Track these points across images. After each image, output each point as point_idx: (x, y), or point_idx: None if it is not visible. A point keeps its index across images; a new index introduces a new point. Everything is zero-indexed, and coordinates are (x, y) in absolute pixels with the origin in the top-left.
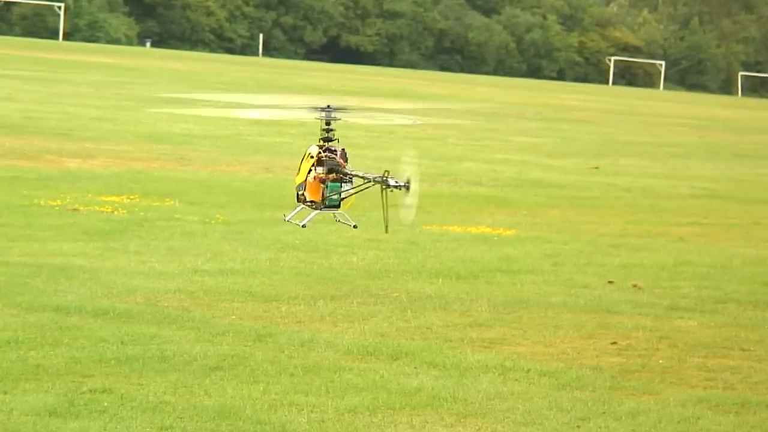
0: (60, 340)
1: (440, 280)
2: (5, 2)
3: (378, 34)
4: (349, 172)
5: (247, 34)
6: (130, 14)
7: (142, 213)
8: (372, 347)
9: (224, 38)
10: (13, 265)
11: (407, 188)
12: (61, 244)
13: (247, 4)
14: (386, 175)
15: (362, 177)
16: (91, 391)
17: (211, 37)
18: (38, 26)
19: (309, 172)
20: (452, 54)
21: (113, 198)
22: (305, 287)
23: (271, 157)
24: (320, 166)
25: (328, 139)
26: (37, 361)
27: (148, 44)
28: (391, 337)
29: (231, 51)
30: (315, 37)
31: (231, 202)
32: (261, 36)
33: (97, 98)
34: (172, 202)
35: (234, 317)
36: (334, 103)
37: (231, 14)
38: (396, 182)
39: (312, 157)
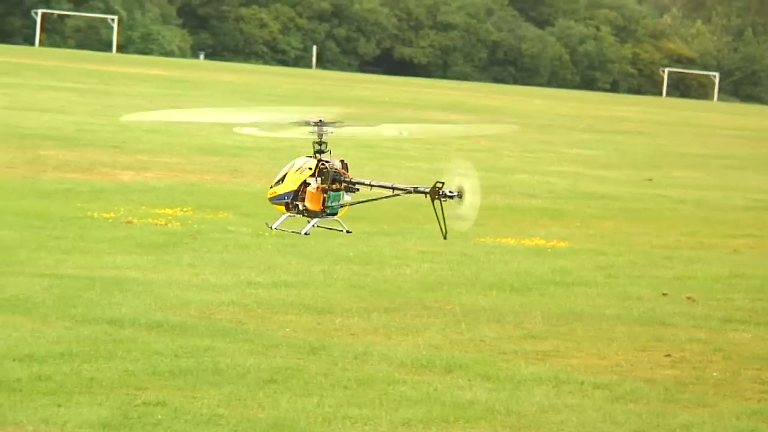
0: (114, 353)
1: (494, 292)
2: (59, 15)
3: (431, 46)
4: (357, 181)
5: (301, 46)
6: (183, 26)
7: (196, 225)
8: (426, 360)
9: (277, 50)
10: (66, 278)
11: (460, 197)
12: (114, 257)
13: (301, 16)
14: (438, 186)
15: (394, 188)
16: (144, 403)
17: (265, 49)
18: (92, 38)
19: (305, 183)
20: (505, 66)
21: (167, 210)
22: (359, 300)
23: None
24: (322, 176)
25: (320, 152)
26: (90, 374)
27: (201, 56)
28: (444, 350)
29: (284, 63)
30: (368, 49)
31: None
32: (314, 48)
33: (151, 110)
34: (225, 215)
35: (288, 330)
36: (325, 117)
37: (284, 26)
38: (450, 192)
39: (304, 169)
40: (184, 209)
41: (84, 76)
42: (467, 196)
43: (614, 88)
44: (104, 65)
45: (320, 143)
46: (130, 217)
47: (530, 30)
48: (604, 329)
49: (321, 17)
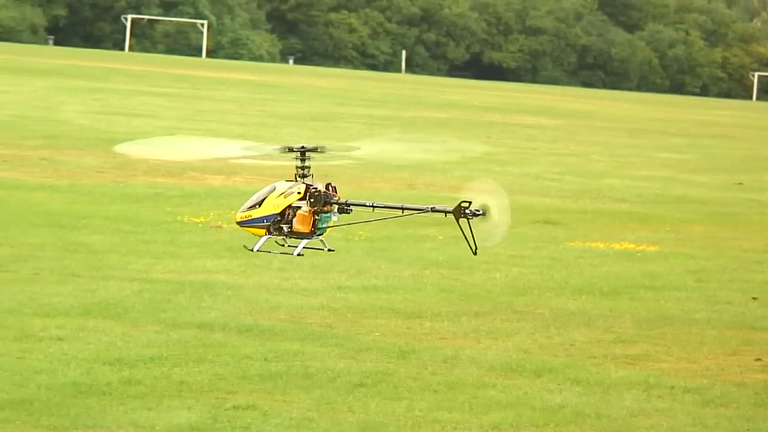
0: (204, 357)
1: (583, 296)
2: (149, 20)
3: (521, 51)
4: (354, 203)
5: (390, 50)
6: (272, 31)
7: None
8: (515, 364)
9: (367, 55)
10: (157, 282)
11: (484, 215)
12: (204, 261)
13: (390, 21)
14: (464, 205)
15: (404, 208)
16: (234, 407)
17: (354, 53)
18: (181, 43)
19: (291, 207)
20: (595, 70)
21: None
22: (448, 304)
23: (415, 173)
24: (313, 199)
25: (303, 176)
26: (180, 378)
27: (291, 61)
28: (534, 354)
29: (374, 68)
30: (458, 53)
31: (374, 219)
32: (404, 53)
33: (240, 115)
34: None
35: (377, 334)
36: (306, 144)
37: (374, 31)
38: (476, 211)
39: (291, 193)
40: None
41: (173, 80)
42: (493, 213)
43: (704, 92)
44: (193, 70)
45: (303, 168)
46: (220, 222)
47: (619, 34)
48: (694, 333)
49: (410, 22)
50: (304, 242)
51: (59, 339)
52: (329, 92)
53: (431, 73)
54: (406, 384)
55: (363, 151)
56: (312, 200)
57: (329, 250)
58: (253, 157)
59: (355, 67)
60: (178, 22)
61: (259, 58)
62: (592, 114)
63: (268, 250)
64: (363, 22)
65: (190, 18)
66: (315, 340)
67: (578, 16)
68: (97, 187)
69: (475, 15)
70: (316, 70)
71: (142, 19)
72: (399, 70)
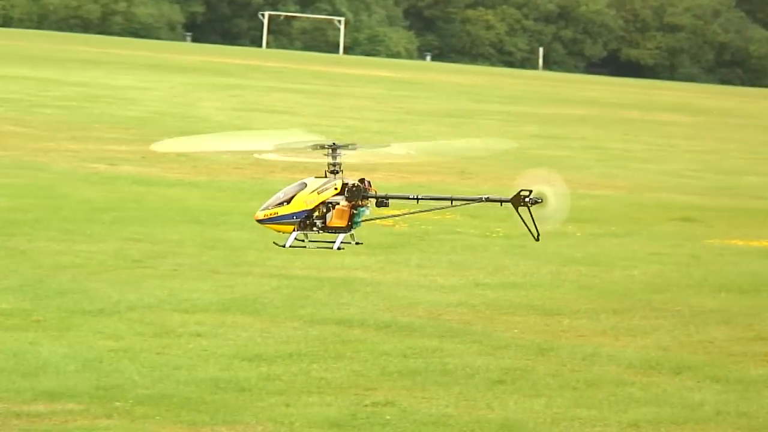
0: (342, 354)
1: (723, 294)
2: (286, 17)
3: (658, 48)
4: (395, 196)
5: (527, 47)
6: (409, 28)
7: (423, 226)
8: (654, 361)
9: (504, 52)
10: (295, 279)
11: (541, 202)
12: (342, 258)
13: (527, 18)
14: (524, 194)
15: (453, 199)
16: (373, 404)
17: (491, 50)
18: (319, 40)
19: (327, 203)
20: (732, 67)
21: (395, 211)
22: (587, 301)
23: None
24: (351, 194)
25: (334, 172)
26: (319, 374)
27: (428, 58)
28: (673, 351)
29: (510, 64)
30: (595, 50)
31: (512, 216)
32: (541, 50)
33: (378, 111)
34: (453, 216)
35: (516, 331)
36: (338, 141)
37: (510, 28)
38: (535, 199)
39: (326, 189)
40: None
41: (311, 77)
42: (551, 201)
43: None
44: (331, 67)
45: (334, 164)
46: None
47: (758, 31)
48: None
49: (547, 19)
50: (341, 236)
51: (198, 335)
52: (466, 89)
53: (568, 70)
54: (544, 381)
55: (393, 151)
56: (350, 195)
57: (357, 243)
58: (284, 153)
59: (492, 64)
60: (315, 18)
61: (396, 55)
62: (730, 111)
63: (303, 245)
64: (500, 18)
65: (327, 15)
66: (453, 337)
67: (716, 13)
68: (235, 184)
69: (613, 12)
70: (453, 67)
71: (279, 15)
72: (536, 67)
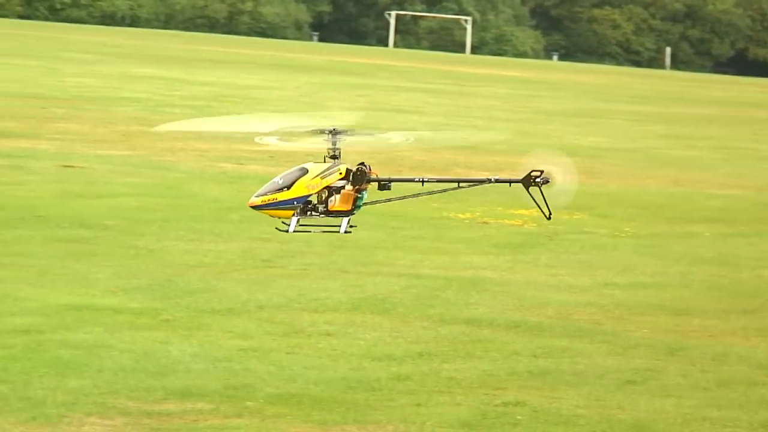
0: (472, 353)
1: None
2: (413, 16)
3: None
4: (398, 179)
5: (654, 47)
6: (536, 27)
7: (552, 226)
8: None
9: (631, 51)
10: (424, 278)
11: (548, 182)
12: (471, 257)
13: (654, 17)
14: (535, 174)
15: (460, 181)
16: (504, 404)
17: (618, 50)
18: (445, 40)
19: (331, 187)
20: None
21: (522, 211)
22: (717, 301)
23: (681, 170)
24: (355, 178)
25: (334, 157)
26: (449, 374)
27: (555, 57)
28: None
29: (637, 64)
30: (722, 49)
31: (640, 216)
32: (668, 49)
33: (506, 111)
34: (581, 216)
35: (646, 331)
36: (338, 126)
37: (637, 27)
38: (545, 179)
39: (330, 174)
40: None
41: (438, 77)
42: (557, 178)
43: None
44: (458, 66)
45: (333, 150)
46: (487, 218)
47: None
48: None
49: (674, 18)
50: (346, 220)
51: (328, 334)
52: (593, 88)
53: (695, 70)
54: (675, 381)
55: (391, 138)
56: (355, 179)
57: (351, 227)
58: (281, 138)
59: (619, 64)
60: (442, 18)
61: (522, 55)
62: None
63: (308, 230)
64: (627, 18)
65: (454, 14)
66: (583, 337)
67: None
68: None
69: (740, 11)
70: (580, 67)
71: (406, 15)
72: (663, 67)
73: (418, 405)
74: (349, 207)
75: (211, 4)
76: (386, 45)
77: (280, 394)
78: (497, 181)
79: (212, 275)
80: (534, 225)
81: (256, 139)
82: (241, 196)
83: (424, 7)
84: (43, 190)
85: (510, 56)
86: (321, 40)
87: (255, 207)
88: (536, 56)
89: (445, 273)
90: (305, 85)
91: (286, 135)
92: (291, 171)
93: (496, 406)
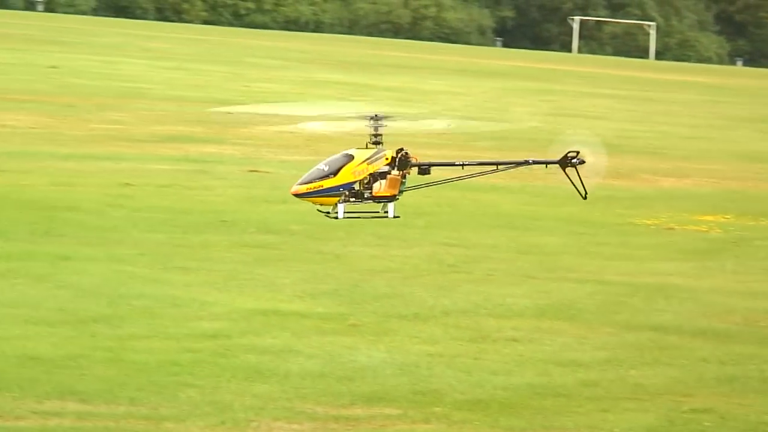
0: (659, 360)
1: None
2: (597, 21)
3: None
4: (437, 163)
5: None
6: (720, 33)
7: (738, 232)
8: None
9: None
10: (609, 284)
11: (583, 162)
12: (656, 264)
13: None
14: (571, 155)
15: (499, 163)
16: (691, 410)
17: None
18: (629, 45)
19: (377, 173)
20: None
21: (708, 217)
22: None
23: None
24: (400, 163)
25: (376, 143)
26: (636, 380)
27: (739, 63)
28: None
29: None
30: None
31: None
32: None
33: (690, 117)
34: (767, 222)
35: None
36: (380, 112)
37: None
38: (579, 160)
39: (376, 159)
40: (726, 216)
41: (622, 82)
42: (589, 159)
43: None
44: (641, 72)
45: (376, 135)
46: (672, 224)
47: None
48: None
49: None
50: (392, 205)
51: (514, 340)
52: None
53: None
54: None
55: (433, 124)
56: (400, 165)
57: (385, 212)
58: (326, 122)
59: None
60: (626, 23)
61: (707, 60)
62: None
63: (357, 216)
64: None
65: (637, 19)
66: None
67: None
68: (547, 189)
69: None
70: (765, 72)
71: (589, 20)
72: None
73: (605, 411)
74: (395, 192)
75: (395, 9)
76: (569, 50)
77: (467, 400)
78: (535, 162)
79: (398, 280)
80: (720, 231)
81: (299, 125)
82: (426, 201)
83: (607, 12)
84: (229, 195)
85: (693, 62)
86: (504, 45)
87: (298, 195)
88: (720, 62)
89: (631, 279)
90: (490, 91)
91: (331, 120)
92: (335, 157)
93: (684, 412)
